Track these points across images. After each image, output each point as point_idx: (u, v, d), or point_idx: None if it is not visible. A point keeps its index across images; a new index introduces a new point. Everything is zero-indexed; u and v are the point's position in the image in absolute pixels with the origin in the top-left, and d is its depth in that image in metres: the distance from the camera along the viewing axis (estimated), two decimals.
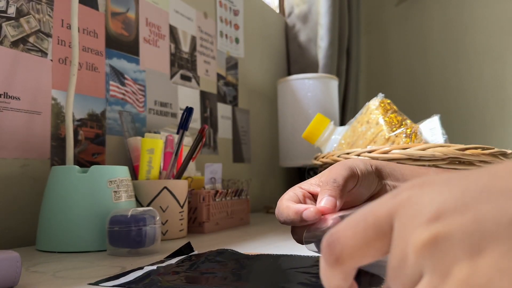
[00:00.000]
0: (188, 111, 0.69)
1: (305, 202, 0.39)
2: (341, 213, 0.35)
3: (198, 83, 1.03)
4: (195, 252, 0.47)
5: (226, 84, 1.14)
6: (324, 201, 0.35)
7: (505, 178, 0.14)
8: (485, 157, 0.58)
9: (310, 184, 0.40)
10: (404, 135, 0.66)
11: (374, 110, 0.72)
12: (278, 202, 0.39)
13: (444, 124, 0.71)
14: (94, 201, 0.53)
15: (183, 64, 0.98)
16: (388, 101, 0.73)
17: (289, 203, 0.37)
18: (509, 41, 1.75)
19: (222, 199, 0.76)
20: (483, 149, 0.58)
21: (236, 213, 0.81)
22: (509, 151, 0.62)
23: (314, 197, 0.40)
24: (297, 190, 0.40)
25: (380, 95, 0.74)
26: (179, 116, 0.94)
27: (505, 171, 0.15)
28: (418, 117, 0.80)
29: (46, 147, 0.65)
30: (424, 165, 0.60)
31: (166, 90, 0.92)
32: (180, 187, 0.65)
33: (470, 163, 0.59)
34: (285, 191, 0.40)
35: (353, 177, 0.37)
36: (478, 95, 1.80)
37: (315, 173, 1.17)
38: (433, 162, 0.59)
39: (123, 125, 0.73)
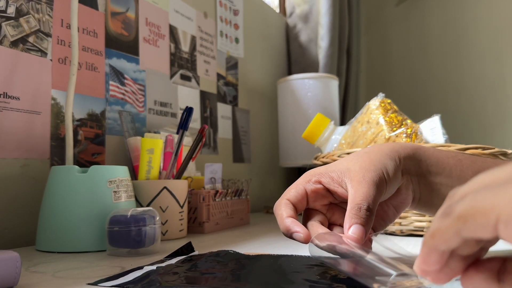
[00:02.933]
0: (188, 111, 0.69)
1: (306, 203, 0.39)
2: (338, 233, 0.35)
3: (198, 83, 1.03)
4: (195, 253, 0.47)
5: (226, 84, 1.14)
6: (353, 230, 0.33)
7: None
8: (486, 157, 0.58)
9: (331, 179, 0.38)
10: (404, 135, 0.66)
11: (374, 110, 0.72)
12: (277, 201, 0.39)
13: (445, 124, 0.71)
14: (93, 201, 0.53)
15: (183, 64, 0.98)
16: (389, 101, 0.73)
17: (284, 210, 0.37)
18: (509, 41, 1.75)
19: (222, 199, 0.76)
20: (484, 149, 0.58)
21: (236, 213, 0.81)
22: (509, 151, 0.62)
23: (332, 195, 0.39)
24: (302, 187, 0.38)
25: (381, 95, 0.74)
26: (179, 116, 0.94)
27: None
28: (418, 117, 0.80)
29: (46, 147, 0.65)
30: None
31: (166, 90, 0.92)
32: (180, 187, 0.65)
33: None
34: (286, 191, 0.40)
35: (382, 193, 0.36)
36: (479, 95, 1.80)
37: None
38: None
39: (123, 125, 0.73)
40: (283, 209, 0.37)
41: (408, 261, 0.28)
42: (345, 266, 0.30)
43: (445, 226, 0.19)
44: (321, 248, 0.33)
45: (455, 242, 0.19)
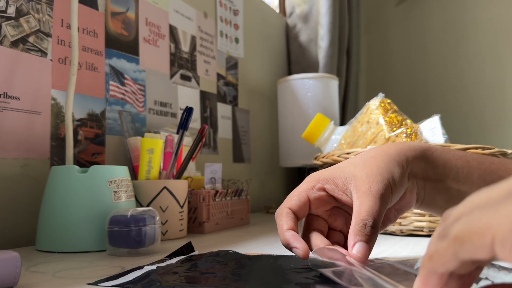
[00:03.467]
0: (188, 111, 0.69)
1: (308, 210, 0.39)
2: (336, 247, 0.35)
3: (198, 83, 1.03)
4: (195, 252, 0.47)
5: (226, 84, 1.14)
6: (357, 249, 0.33)
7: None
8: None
9: (335, 186, 0.37)
10: (404, 135, 0.66)
11: (374, 110, 0.72)
12: (279, 209, 0.39)
13: (444, 124, 0.71)
14: (94, 201, 0.53)
15: (183, 64, 0.98)
16: (389, 101, 0.73)
17: (284, 221, 0.37)
18: (509, 41, 1.75)
19: (222, 199, 0.76)
20: (483, 148, 0.58)
21: (236, 213, 0.81)
22: (509, 151, 0.62)
23: (335, 200, 0.38)
24: (304, 194, 0.38)
25: (381, 95, 0.74)
26: (179, 116, 0.94)
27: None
28: (418, 117, 0.80)
29: (46, 147, 0.65)
30: None
31: (166, 90, 0.92)
32: (180, 187, 0.65)
33: None
34: (285, 191, 0.40)
35: (387, 204, 0.35)
36: (478, 95, 1.80)
37: None
38: None
39: (123, 125, 0.73)
40: (284, 220, 0.37)
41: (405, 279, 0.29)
42: (344, 281, 0.30)
43: (443, 249, 0.19)
44: (321, 262, 0.33)
45: (453, 264, 0.19)
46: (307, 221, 0.39)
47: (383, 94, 0.75)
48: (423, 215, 0.60)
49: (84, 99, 0.72)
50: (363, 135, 0.71)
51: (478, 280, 0.25)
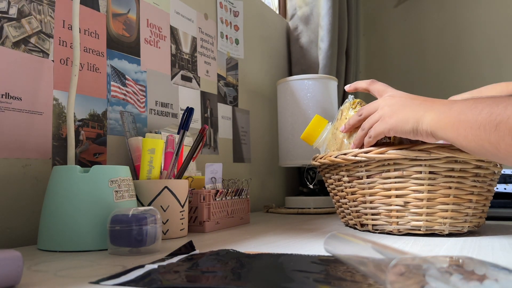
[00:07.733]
0: (189, 111, 0.70)
1: None
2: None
3: (198, 84, 1.03)
4: (196, 251, 0.48)
5: (226, 84, 1.15)
6: None
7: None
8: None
9: None
10: None
11: (348, 113, 0.73)
12: None
13: None
14: (95, 200, 0.53)
15: (183, 64, 0.98)
16: (359, 100, 0.74)
17: None
18: (507, 42, 1.76)
19: (223, 198, 0.76)
20: None
21: (236, 212, 0.81)
22: None
23: None
24: None
25: (350, 97, 0.75)
26: (180, 116, 0.95)
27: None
28: None
29: (47, 147, 0.66)
30: (420, 165, 0.60)
31: (167, 91, 0.92)
32: (181, 187, 0.66)
33: (466, 163, 0.60)
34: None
35: None
36: None
37: (314, 173, 1.17)
38: (430, 161, 0.59)
39: (124, 125, 0.74)
40: None
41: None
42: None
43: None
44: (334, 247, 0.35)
45: None
46: None
47: (353, 96, 0.76)
48: (421, 215, 0.61)
49: (85, 99, 0.72)
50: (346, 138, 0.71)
51: (483, 279, 0.26)
